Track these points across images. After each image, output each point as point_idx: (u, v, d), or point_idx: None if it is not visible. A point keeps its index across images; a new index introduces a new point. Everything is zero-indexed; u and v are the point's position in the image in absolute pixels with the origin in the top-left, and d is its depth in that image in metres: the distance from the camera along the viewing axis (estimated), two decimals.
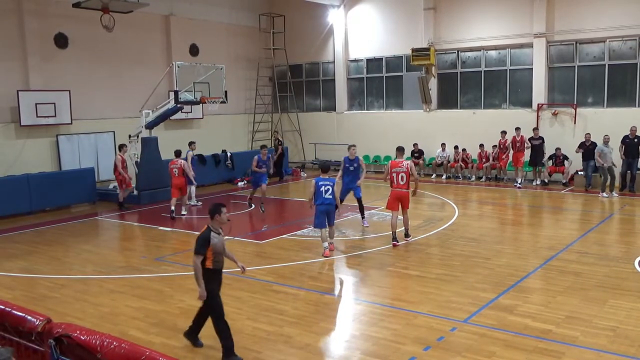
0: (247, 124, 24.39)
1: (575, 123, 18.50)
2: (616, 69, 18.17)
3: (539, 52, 19.05)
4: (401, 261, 10.12)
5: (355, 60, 23.63)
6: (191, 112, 21.04)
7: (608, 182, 16.29)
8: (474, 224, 13.26)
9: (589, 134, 17.28)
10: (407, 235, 11.46)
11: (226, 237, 12.17)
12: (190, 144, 16.64)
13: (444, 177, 20.64)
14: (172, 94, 17.00)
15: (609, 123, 17.33)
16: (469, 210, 15.09)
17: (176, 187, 14.80)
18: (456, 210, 14.59)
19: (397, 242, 11.10)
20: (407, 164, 11.06)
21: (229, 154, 20.98)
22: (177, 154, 15.35)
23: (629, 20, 17.38)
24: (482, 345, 6.50)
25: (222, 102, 17.50)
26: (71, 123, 17.76)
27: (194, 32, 21.84)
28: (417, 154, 20.93)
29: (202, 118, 21.90)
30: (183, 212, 15.05)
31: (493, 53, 20.36)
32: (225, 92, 17.61)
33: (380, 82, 23.15)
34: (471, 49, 20.65)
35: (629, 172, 16.66)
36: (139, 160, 17.27)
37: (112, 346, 3.83)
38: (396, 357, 6.28)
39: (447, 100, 21.56)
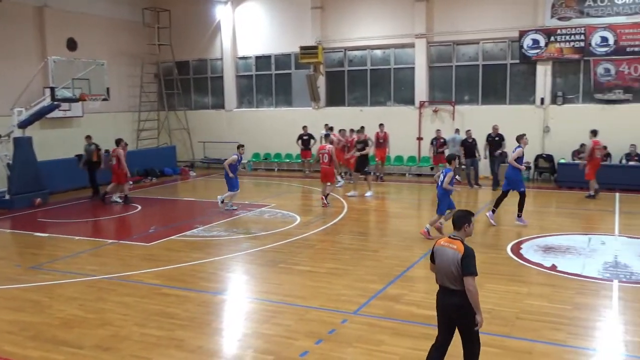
0: (132, 123, 23.41)
1: (454, 119, 19.60)
2: (489, 68, 19.49)
3: (420, 52, 19.98)
4: (292, 257, 10.20)
5: (244, 58, 23.46)
6: (70, 110, 19.77)
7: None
8: (362, 218, 13.69)
9: (469, 130, 17.63)
10: (325, 195, 14.80)
11: (111, 241, 11.70)
12: (239, 147, 15.07)
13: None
14: (47, 91, 15.94)
15: (484, 119, 18.47)
16: (357, 205, 15.47)
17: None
18: (345, 205, 14.94)
19: (327, 204, 14.60)
20: (329, 148, 14.78)
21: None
22: (118, 142, 15.81)
23: (500, 24, 18.69)
24: (372, 335, 6.71)
25: (104, 100, 16.81)
26: None
27: (71, 26, 20.53)
28: (307, 136, 20.86)
29: (83, 116, 20.66)
30: (114, 199, 15.98)
31: (378, 52, 21.06)
32: (107, 89, 16.92)
33: (269, 80, 23.15)
34: (357, 48, 21.23)
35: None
36: (10, 162, 16.02)
37: None
38: (289, 353, 6.33)
39: (335, 98, 22.00)
